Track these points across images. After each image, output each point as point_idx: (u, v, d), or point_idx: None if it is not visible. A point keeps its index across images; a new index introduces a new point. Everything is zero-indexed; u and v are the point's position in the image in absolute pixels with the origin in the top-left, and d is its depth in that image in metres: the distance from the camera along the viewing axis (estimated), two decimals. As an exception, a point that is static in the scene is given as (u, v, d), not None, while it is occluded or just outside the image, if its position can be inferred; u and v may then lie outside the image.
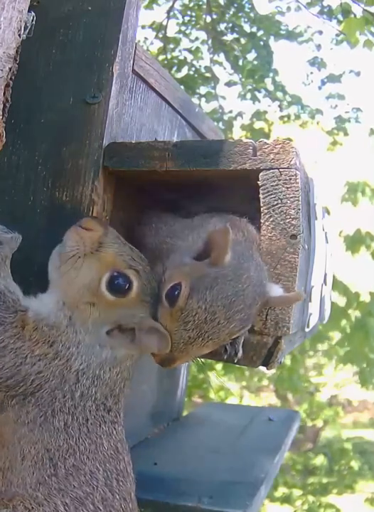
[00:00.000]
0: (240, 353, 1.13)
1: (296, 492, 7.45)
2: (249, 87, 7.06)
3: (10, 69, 1.10)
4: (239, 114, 7.12)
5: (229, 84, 7.19)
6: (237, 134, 7.08)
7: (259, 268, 1.09)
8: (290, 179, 1.14)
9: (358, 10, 4.56)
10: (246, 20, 7.05)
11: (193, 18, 7.26)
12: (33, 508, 0.98)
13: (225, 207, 1.52)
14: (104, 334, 1.05)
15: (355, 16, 4.58)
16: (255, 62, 6.88)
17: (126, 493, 1.06)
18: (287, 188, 1.14)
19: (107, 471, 1.04)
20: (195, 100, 6.48)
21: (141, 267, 1.08)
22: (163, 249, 1.16)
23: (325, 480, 8.14)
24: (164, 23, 6.88)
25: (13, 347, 1.00)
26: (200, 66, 7.19)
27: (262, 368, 1.19)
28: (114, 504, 1.03)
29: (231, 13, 6.98)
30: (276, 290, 1.10)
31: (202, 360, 1.14)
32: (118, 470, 1.06)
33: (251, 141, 1.17)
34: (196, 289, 1.01)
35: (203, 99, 6.96)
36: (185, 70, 7.01)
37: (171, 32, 7.22)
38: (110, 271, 1.05)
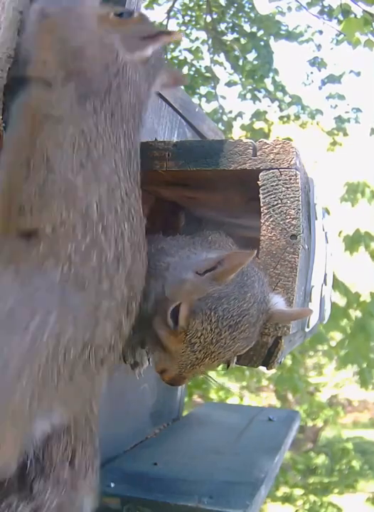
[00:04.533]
0: (233, 364, 1.13)
1: (298, 491, 7.46)
2: (249, 87, 7.06)
3: (10, 69, 1.10)
4: (239, 114, 7.12)
5: (229, 84, 7.20)
6: (237, 134, 7.08)
7: (262, 282, 1.08)
8: (290, 179, 1.14)
9: (357, 10, 4.56)
10: (246, 20, 7.06)
11: (193, 18, 7.27)
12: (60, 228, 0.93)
13: (224, 208, 1.52)
14: None
15: (355, 16, 4.58)
16: (255, 62, 6.89)
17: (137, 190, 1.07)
18: (287, 188, 1.13)
19: (119, 169, 1.03)
20: (195, 100, 6.49)
21: None
22: (151, 266, 1.14)
23: (326, 479, 8.15)
24: (164, 23, 6.88)
25: None
26: (200, 66, 7.21)
27: (262, 368, 1.19)
28: (133, 203, 1.03)
29: (231, 13, 6.99)
30: (277, 300, 1.09)
31: None
32: (130, 165, 1.06)
33: (251, 141, 1.17)
34: (200, 309, 1.00)
35: (203, 99, 6.97)
36: (185, 70, 7.02)
37: (171, 32, 7.20)
38: None
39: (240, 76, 7.13)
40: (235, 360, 1.12)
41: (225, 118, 6.96)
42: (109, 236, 0.97)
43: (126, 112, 1.07)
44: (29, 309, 0.87)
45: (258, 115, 7.21)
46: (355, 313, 4.78)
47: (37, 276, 0.91)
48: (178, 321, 1.00)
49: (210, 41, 7.09)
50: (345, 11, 5.15)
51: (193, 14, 7.26)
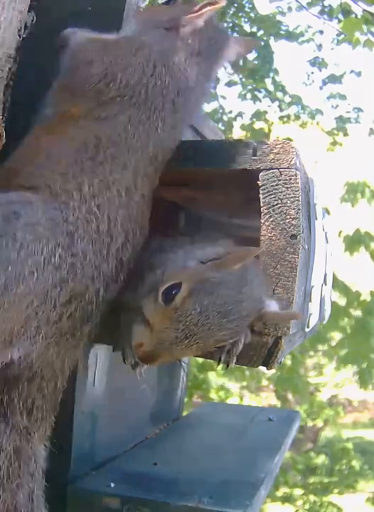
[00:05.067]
0: (233, 364, 1.12)
1: (298, 491, 7.46)
2: (250, 87, 7.06)
3: (10, 69, 1.10)
4: (239, 114, 7.12)
5: (229, 84, 7.19)
6: (237, 134, 7.07)
7: (261, 283, 1.09)
8: (290, 179, 1.14)
9: (357, 9, 4.57)
10: (246, 20, 7.04)
11: (193, 18, 7.24)
12: (60, 189, 1.01)
13: (224, 208, 1.52)
14: None
15: (355, 15, 4.59)
16: (255, 62, 6.88)
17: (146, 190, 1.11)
18: (287, 188, 1.13)
19: (137, 164, 1.08)
20: (195, 100, 6.45)
21: None
22: (150, 262, 1.14)
23: (326, 479, 8.15)
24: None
25: None
26: (200, 66, 7.16)
27: (262, 368, 1.19)
28: (134, 198, 1.08)
29: (231, 13, 6.97)
30: (271, 304, 1.10)
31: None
32: (145, 168, 1.10)
33: (251, 141, 1.18)
34: (196, 291, 1.01)
35: (203, 99, 6.94)
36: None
37: (171, 32, 7.19)
38: None
39: (240, 76, 7.12)
40: (235, 360, 1.12)
41: (225, 118, 6.96)
42: (102, 212, 1.03)
43: (160, 114, 1.13)
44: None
45: (258, 115, 7.20)
46: (355, 313, 4.79)
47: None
48: (175, 298, 1.01)
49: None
50: (346, 11, 5.16)
51: (193, 14, 7.25)
